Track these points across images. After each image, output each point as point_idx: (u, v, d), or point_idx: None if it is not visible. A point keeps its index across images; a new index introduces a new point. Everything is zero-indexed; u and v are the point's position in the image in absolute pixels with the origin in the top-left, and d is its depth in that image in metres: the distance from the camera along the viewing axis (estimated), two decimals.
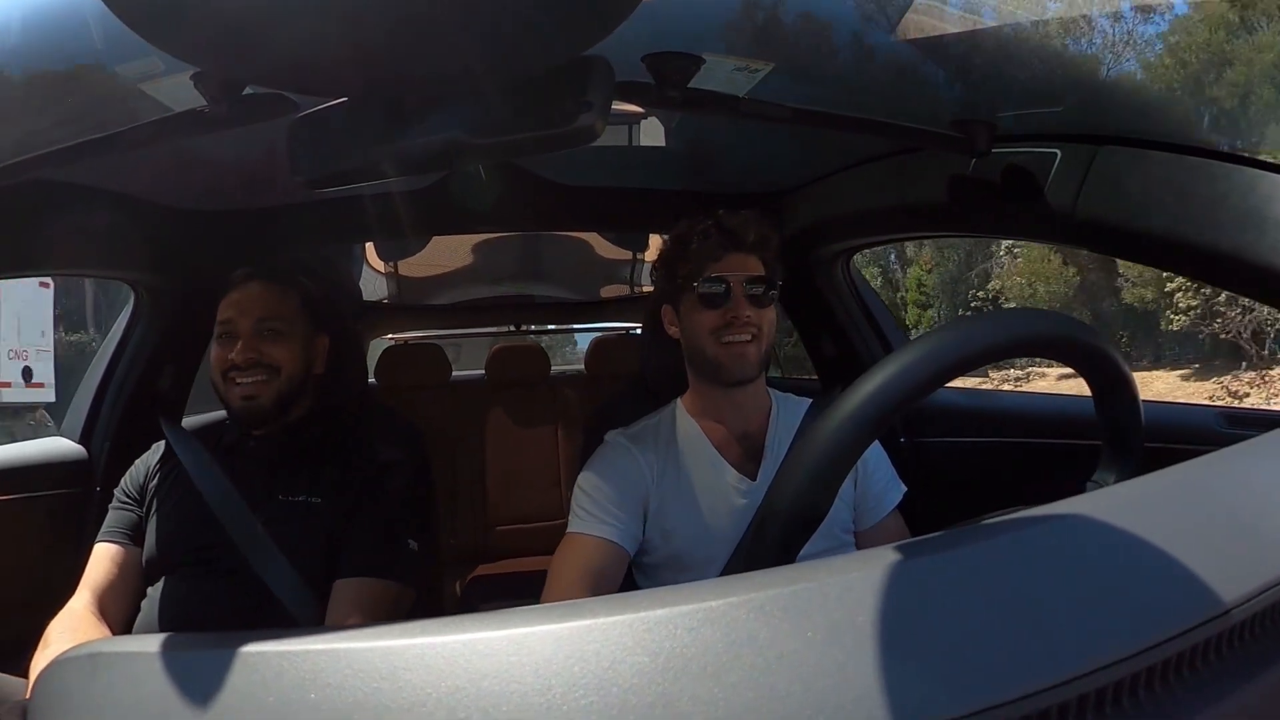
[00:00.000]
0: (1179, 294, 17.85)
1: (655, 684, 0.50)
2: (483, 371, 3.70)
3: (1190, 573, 0.63)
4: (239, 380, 1.58)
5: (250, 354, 1.58)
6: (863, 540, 1.58)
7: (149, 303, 2.21)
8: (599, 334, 4.00)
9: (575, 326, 5.08)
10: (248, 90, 1.12)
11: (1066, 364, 0.86)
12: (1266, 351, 17.58)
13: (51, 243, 1.79)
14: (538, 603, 0.89)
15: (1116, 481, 0.90)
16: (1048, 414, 2.13)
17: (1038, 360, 14.21)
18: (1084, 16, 1.35)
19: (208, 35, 0.59)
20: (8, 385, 11.94)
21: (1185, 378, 19.17)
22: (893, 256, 25.80)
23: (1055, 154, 1.44)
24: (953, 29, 1.32)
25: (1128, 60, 1.39)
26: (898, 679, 0.51)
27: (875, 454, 1.58)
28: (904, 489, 1.61)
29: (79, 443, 2.18)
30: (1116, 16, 1.38)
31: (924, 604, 0.57)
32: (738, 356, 1.47)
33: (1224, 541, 0.70)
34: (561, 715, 0.48)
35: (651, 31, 1.14)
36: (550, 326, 5.14)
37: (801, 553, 0.78)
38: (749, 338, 1.47)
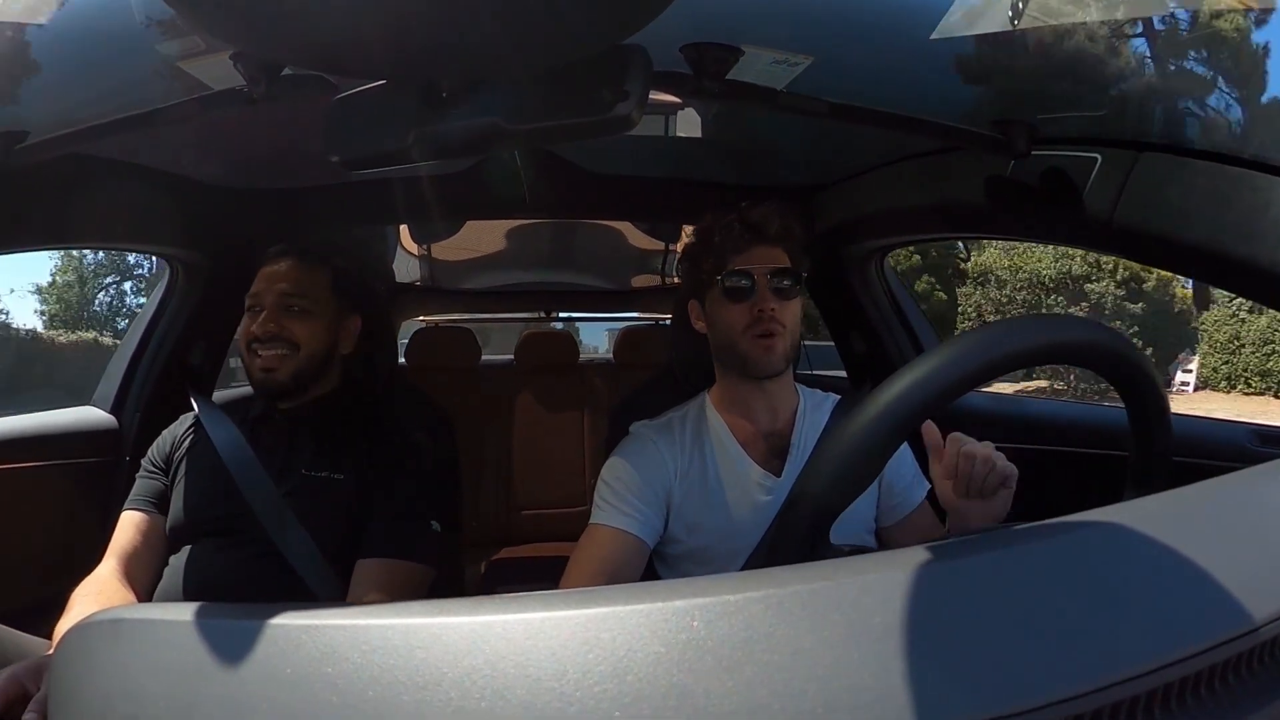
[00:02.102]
0: None
1: (670, 674, 0.50)
2: (512, 357, 3.72)
3: (1219, 588, 0.62)
4: (260, 352, 1.61)
5: (270, 326, 1.61)
6: (892, 535, 1.58)
7: (183, 277, 2.24)
8: (625, 325, 4.01)
9: (600, 315, 5.09)
10: (286, 71, 1.13)
11: (1099, 373, 0.85)
12: None
13: (90, 216, 1.81)
14: (557, 589, 0.89)
15: (1144, 495, 0.89)
16: (1078, 422, 2.10)
17: None
18: (1129, 19, 1.33)
19: (248, 16, 0.59)
20: None
21: None
22: None
23: (1095, 159, 1.42)
24: (995, 28, 1.30)
25: (1172, 65, 1.36)
26: (913, 681, 0.51)
27: (902, 452, 1.56)
28: (928, 485, 1.60)
29: (110, 412, 2.22)
30: (1162, 20, 1.36)
31: (943, 607, 0.57)
32: (765, 350, 1.47)
33: (1254, 558, 0.69)
34: (576, 701, 0.49)
35: (691, 21, 1.14)
36: (581, 314, 5.15)
37: None
38: (775, 332, 1.47)
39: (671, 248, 3.29)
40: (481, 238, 3.07)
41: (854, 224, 2.18)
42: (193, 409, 1.73)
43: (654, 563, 1.52)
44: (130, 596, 1.48)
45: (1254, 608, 0.61)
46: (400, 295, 3.73)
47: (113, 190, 1.81)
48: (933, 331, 2.45)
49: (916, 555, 0.61)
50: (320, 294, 1.67)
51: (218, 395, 2.14)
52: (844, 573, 0.59)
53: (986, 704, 0.50)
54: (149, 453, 1.71)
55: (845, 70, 1.45)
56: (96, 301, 23.49)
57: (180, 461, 1.66)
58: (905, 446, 1.58)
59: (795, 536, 0.77)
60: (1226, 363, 17.21)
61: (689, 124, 1.90)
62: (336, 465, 1.59)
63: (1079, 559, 0.64)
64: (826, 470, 0.77)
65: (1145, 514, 0.72)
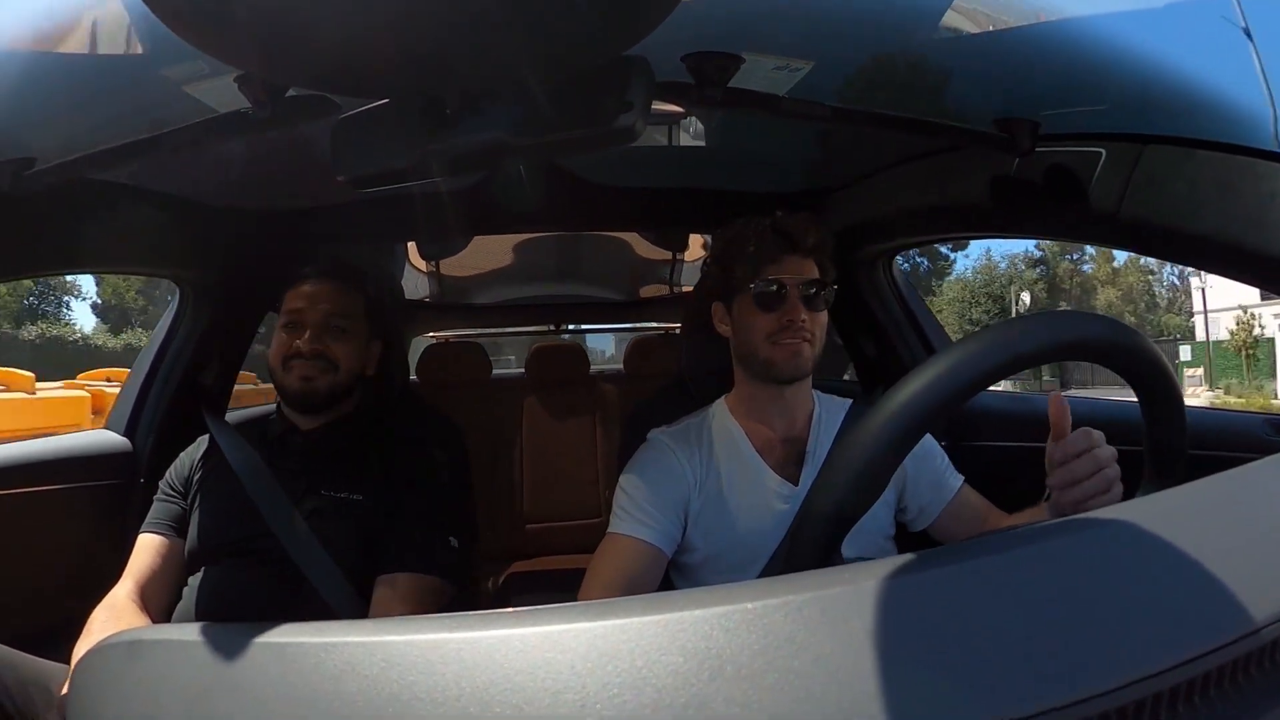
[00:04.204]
0: None
1: (690, 685, 0.50)
2: (522, 370, 3.72)
3: (1222, 587, 0.61)
4: (297, 367, 1.64)
5: (316, 345, 1.64)
6: (945, 528, 1.58)
7: (194, 299, 2.25)
8: (635, 334, 4.01)
9: (609, 326, 5.08)
10: (291, 92, 1.13)
11: (1112, 369, 0.84)
12: None
13: (99, 241, 1.83)
14: (574, 601, 0.89)
15: (1160, 489, 0.88)
16: (1093, 419, 2.08)
17: None
18: (1129, 13, 1.32)
19: (252, 38, 0.59)
20: None
21: None
22: None
23: (1100, 153, 1.42)
24: (996, 26, 1.30)
25: (1174, 55, 1.36)
26: (933, 685, 0.51)
27: (922, 449, 1.56)
28: (961, 478, 1.60)
29: (124, 435, 2.22)
30: (1161, 10, 1.35)
31: (959, 610, 0.57)
32: (791, 355, 1.46)
33: (1261, 555, 0.68)
34: (595, 714, 0.49)
35: (691, 31, 1.14)
36: (589, 326, 5.15)
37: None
38: (803, 339, 1.47)
39: (679, 257, 3.28)
40: (489, 253, 3.07)
41: (861, 228, 2.18)
42: (207, 430, 1.73)
43: (670, 572, 1.52)
44: (146, 620, 1.49)
45: (1255, 608, 0.60)
46: (410, 312, 3.73)
47: (121, 214, 1.82)
48: (944, 333, 2.44)
49: (932, 558, 0.61)
50: (358, 316, 1.71)
51: (233, 416, 2.15)
52: (863, 577, 0.58)
53: (998, 709, 0.50)
54: (167, 475, 1.71)
55: (846, 74, 1.45)
56: None
57: (199, 483, 1.67)
58: (930, 440, 1.57)
59: (809, 551, 0.77)
60: None
61: (692, 133, 1.90)
62: (355, 485, 1.60)
63: (1087, 561, 0.63)
64: (838, 481, 0.76)
65: (1155, 511, 0.71)
